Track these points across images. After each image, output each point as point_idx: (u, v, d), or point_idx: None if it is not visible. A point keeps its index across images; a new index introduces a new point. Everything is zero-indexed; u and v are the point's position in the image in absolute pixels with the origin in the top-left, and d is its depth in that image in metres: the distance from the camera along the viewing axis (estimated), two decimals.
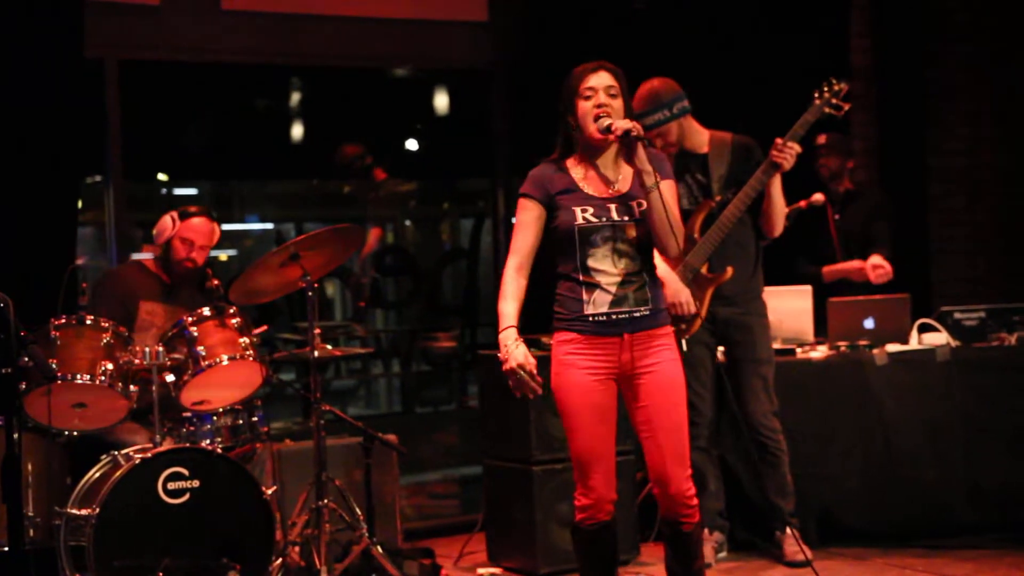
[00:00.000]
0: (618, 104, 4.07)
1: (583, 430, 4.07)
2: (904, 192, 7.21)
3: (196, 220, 5.30)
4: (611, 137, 4.04)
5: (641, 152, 3.99)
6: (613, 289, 4.04)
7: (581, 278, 4.05)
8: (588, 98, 4.06)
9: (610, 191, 4.10)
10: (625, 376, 4.10)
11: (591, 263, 4.04)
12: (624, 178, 4.12)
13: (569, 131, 4.13)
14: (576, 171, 4.13)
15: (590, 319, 4.05)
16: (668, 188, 4.09)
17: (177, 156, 7.85)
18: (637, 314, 4.05)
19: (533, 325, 6.29)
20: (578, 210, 4.05)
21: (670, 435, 4.08)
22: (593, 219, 4.05)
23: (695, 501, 4.14)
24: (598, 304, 4.04)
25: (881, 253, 6.30)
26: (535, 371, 4.01)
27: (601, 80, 4.07)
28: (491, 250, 7.23)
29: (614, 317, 4.04)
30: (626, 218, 4.05)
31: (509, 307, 4.08)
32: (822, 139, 6.42)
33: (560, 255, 4.12)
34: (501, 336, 4.05)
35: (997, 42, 7.53)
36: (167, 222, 5.29)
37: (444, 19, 6.78)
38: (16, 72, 5.42)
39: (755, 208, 5.41)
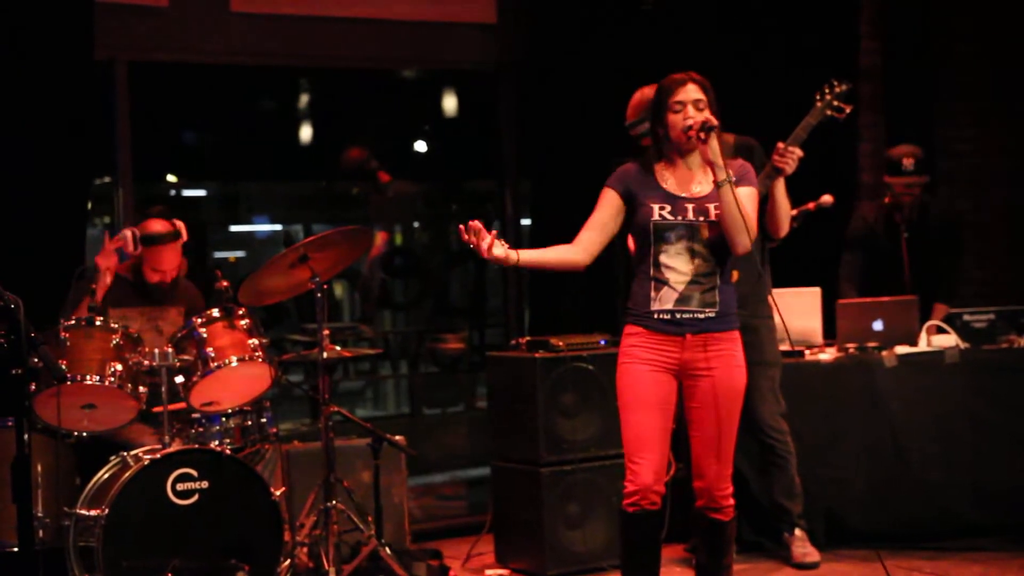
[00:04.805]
0: (705, 117, 4.18)
1: (633, 420, 4.19)
2: None
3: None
4: (691, 133, 4.13)
5: (714, 144, 4.09)
6: (680, 288, 4.16)
7: (652, 273, 4.18)
8: (677, 112, 4.18)
9: (690, 192, 4.20)
10: (685, 375, 4.22)
11: (663, 259, 4.16)
12: (706, 182, 4.22)
13: (657, 138, 4.25)
14: (661, 173, 4.25)
15: (655, 316, 4.17)
16: (747, 195, 4.19)
17: (186, 157, 7.86)
18: (701, 316, 4.17)
19: (544, 329, 6.34)
20: (656, 207, 4.18)
21: (717, 437, 4.23)
22: (669, 216, 4.17)
23: (731, 500, 4.28)
24: (664, 301, 4.17)
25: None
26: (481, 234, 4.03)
27: (689, 94, 4.19)
28: None
29: (678, 316, 4.16)
30: (701, 219, 4.16)
31: (538, 250, 4.25)
32: (909, 162, 6.23)
33: (637, 252, 4.24)
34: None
35: (1005, 43, 7.51)
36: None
37: (452, 20, 6.78)
38: (26, 73, 5.43)
39: (760, 210, 5.39)
